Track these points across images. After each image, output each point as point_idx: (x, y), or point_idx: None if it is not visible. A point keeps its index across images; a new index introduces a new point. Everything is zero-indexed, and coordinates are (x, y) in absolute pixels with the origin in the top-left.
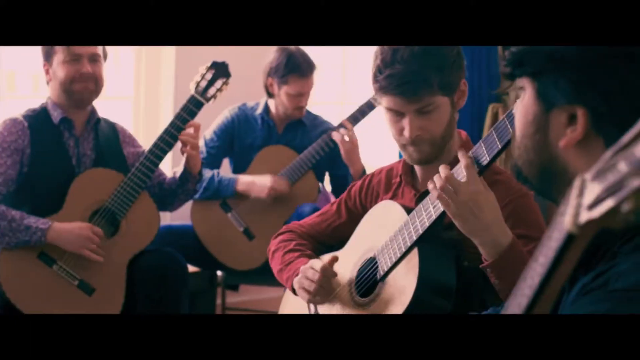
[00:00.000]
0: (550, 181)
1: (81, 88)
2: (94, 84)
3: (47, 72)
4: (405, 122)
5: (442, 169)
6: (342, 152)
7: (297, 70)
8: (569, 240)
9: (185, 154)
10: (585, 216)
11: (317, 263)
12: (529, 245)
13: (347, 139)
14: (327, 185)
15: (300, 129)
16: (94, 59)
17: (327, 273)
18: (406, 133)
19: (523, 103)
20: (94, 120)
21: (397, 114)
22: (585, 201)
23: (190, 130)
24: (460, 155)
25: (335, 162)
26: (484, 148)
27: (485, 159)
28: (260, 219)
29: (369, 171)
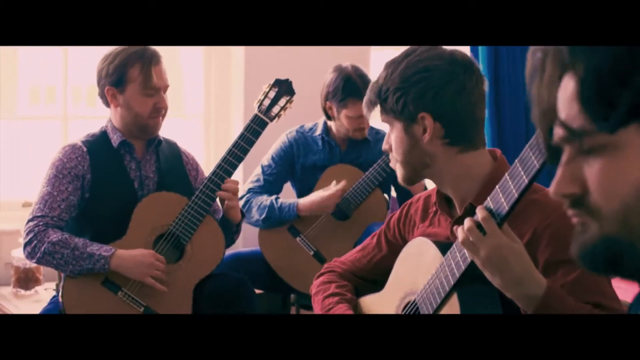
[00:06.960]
0: None
1: (155, 123)
2: (164, 117)
3: (112, 96)
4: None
5: (467, 222)
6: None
7: (355, 94)
8: None
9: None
10: None
11: None
12: (573, 274)
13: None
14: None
15: (364, 146)
16: (166, 91)
17: None
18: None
19: None
20: (156, 142)
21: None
22: None
23: (229, 185)
24: (477, 209)
25: None
26: (501, 196)
27: (503, 209)
28: (330, 242)
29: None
